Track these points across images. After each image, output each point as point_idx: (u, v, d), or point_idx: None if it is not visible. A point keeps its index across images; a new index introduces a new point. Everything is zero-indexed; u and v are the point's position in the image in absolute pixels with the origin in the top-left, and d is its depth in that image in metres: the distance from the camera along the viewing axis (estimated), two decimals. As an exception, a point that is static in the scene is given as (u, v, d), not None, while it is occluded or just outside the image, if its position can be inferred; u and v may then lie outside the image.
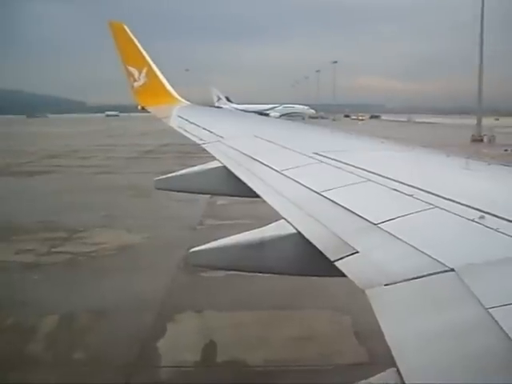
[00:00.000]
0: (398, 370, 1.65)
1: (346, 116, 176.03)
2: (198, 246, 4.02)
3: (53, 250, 15.06)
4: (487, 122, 73.24)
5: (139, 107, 15.88)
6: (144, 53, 15.00)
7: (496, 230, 2.59)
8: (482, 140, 59.02)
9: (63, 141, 61.21)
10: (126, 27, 14.65)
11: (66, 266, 13.60)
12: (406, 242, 2.66)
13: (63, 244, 15.67)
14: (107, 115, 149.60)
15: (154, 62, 15.25)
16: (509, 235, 2.51)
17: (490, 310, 1.83)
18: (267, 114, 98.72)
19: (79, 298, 11.22)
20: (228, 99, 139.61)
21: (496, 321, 1.75)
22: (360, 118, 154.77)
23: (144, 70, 14.96)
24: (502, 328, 1.70)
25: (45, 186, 26.79)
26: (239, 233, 3.99)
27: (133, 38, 14.69)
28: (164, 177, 7.00)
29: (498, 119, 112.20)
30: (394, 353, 1.73)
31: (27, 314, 10.34)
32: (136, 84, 15.02)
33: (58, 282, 12.36)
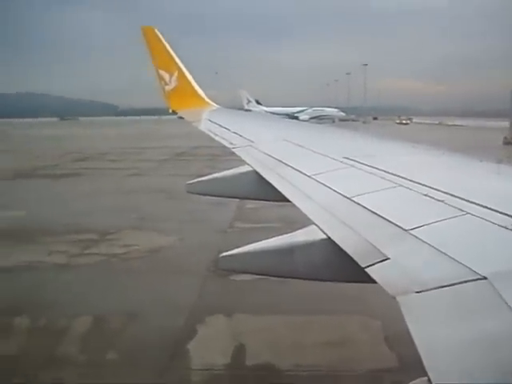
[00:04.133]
0: (429, 379, 1.64)
1: (375, 118, 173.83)
2: (228, 249, 4.04)
3: (85, 251, 15.30)
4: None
5: (170, 110, 15.98)
6: (175, 56, 15.09)
7: None
8: (515, 143, 57.81)
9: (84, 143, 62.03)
10: (157, 31, 14.78)
11: (98, 267, 13.81)
12: (437, 249, 2.63)
13: (95, 245, 15.92)
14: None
15: (185, 66, 15.35)
16: None
17: None
18: (297, 117, 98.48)
19: (110, 298, 11.38)
20: (258, 102, 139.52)
21: None
22: (404, 122, 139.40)
23: (175, 74, 15.05)
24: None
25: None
26: (269, 237, 4.00)
27: (164, 41, 14.80)
28: (195, 181, 7.05)
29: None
30: (424, 361, 1.72)
31: (59, 315, 10.53)
32: (167, 87, 15.13)
33: (90, 283, 12.54)
